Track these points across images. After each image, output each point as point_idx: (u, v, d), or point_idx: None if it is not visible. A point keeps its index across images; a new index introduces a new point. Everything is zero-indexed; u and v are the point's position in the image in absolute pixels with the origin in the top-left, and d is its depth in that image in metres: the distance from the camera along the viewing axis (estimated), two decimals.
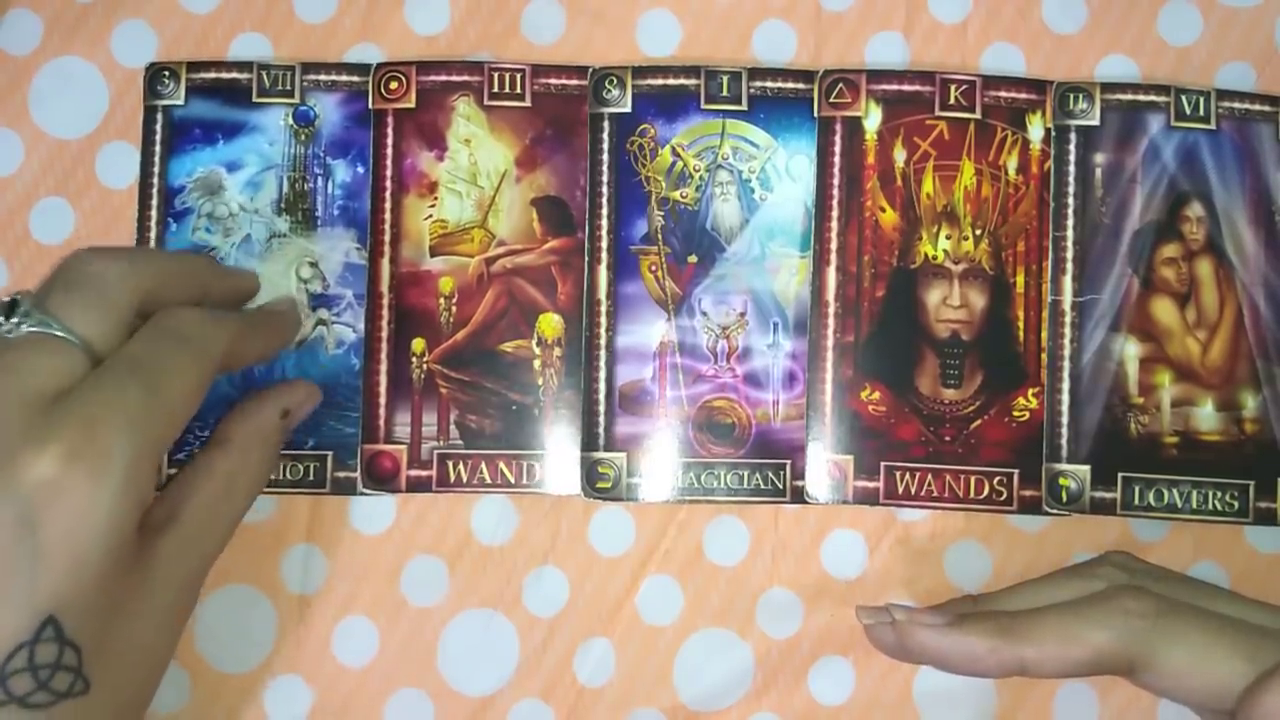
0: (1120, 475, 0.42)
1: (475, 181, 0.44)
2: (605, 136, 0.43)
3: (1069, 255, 0.43)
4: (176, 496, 0.36)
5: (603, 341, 0.43)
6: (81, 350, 0.32)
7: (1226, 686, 0.34)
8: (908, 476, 0.42)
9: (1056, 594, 0.38)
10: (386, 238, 0.43)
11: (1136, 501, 0.42)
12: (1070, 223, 0.43)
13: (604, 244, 0.43)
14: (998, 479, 0.42)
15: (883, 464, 0.42)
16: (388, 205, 0.43)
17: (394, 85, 0.44)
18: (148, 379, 0.32)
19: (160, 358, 0.33)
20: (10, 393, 0.30)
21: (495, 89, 0.44)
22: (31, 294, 0.33)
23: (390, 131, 0.44)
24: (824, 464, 0.42)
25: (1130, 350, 0.43)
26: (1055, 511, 0.42)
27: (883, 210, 0.43)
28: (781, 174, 0.43)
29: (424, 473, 0.42)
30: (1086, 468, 0.42)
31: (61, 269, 0.34)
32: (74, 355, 0.32)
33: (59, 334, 0.32)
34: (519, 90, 0.44)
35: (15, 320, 0.32)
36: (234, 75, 0.44)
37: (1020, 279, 0.43)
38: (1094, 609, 0.36)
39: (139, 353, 0.33)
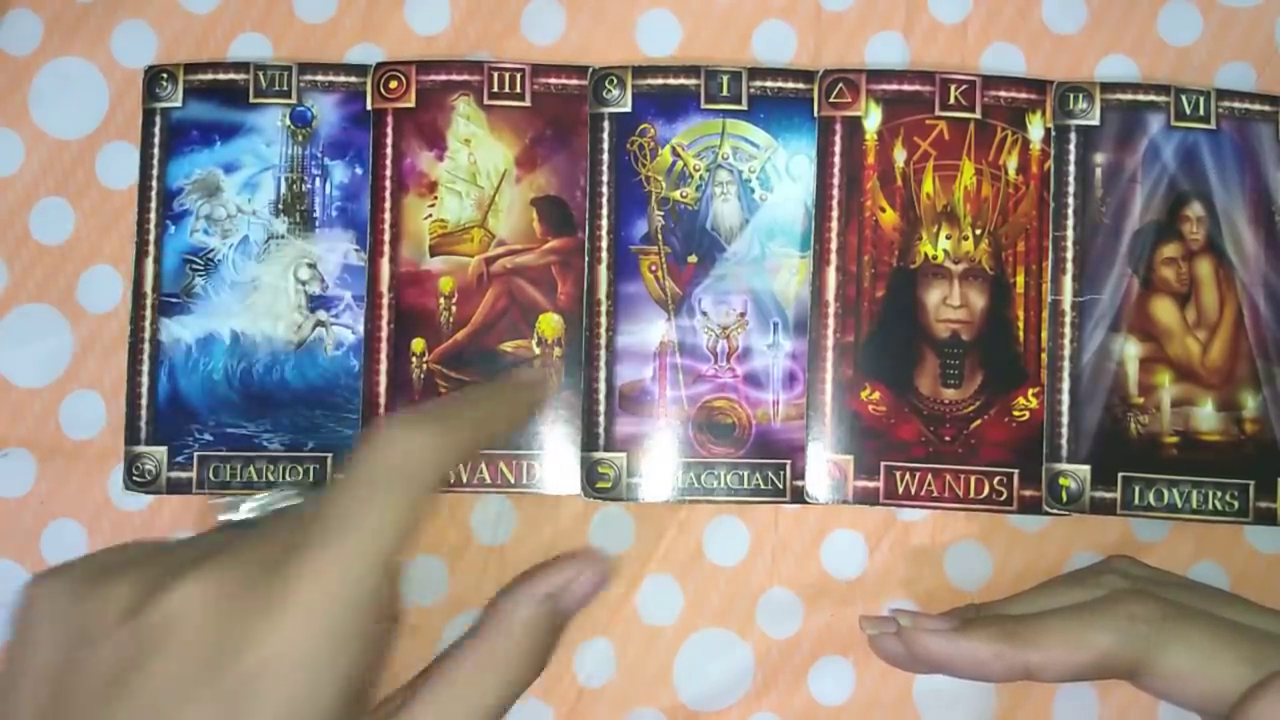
0: (1120, 475, 0.42)
1: (475, 181, 0.44)
2: (605, 136, 0.43)
3: (1069, 255, 0.43)
4: (417, 685, 0.32)
5: (603, 341, 0.43)
6: None
7: (1228, 691, 0.34)
8: (908, 476, 0.42)
9: (1059, 599, 0.38)
10: (386, 237, 0.43)
11: (1136, 501, 0.42)
12: (1070, 223, 0.43)
13: (604, 244, 0.43)
14: (998, 479, 0.42)
15: (883, 464, 0.42)
16: (387, 205, 0.43)
17: (394, 85, 0.44)
18: (360, 543, 0.29)
19: (371, 510, 0.29)
20: (259, 560, 0.29)
21: (495, 89, 0.44)
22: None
23: (390, 131, 0.44)
24: (824, 464, 0.42)
25: (1130, 350, 0.43)
26: (1055, 511, 0.42)
27: (883, 210, 0.43)
28: (781, 174, 0.43)
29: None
30: (1086, 468, 0.42)
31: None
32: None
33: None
34: (519, 90, 0.44)
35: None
36: (231, 76, 0.44)
37: (1020, 279, 0.43)
38: (1098, 613, 0.36)
39: (349, 507, 0.29)
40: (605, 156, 0.43)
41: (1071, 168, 0.43)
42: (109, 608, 0.27)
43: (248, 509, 0.34)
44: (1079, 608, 0.37)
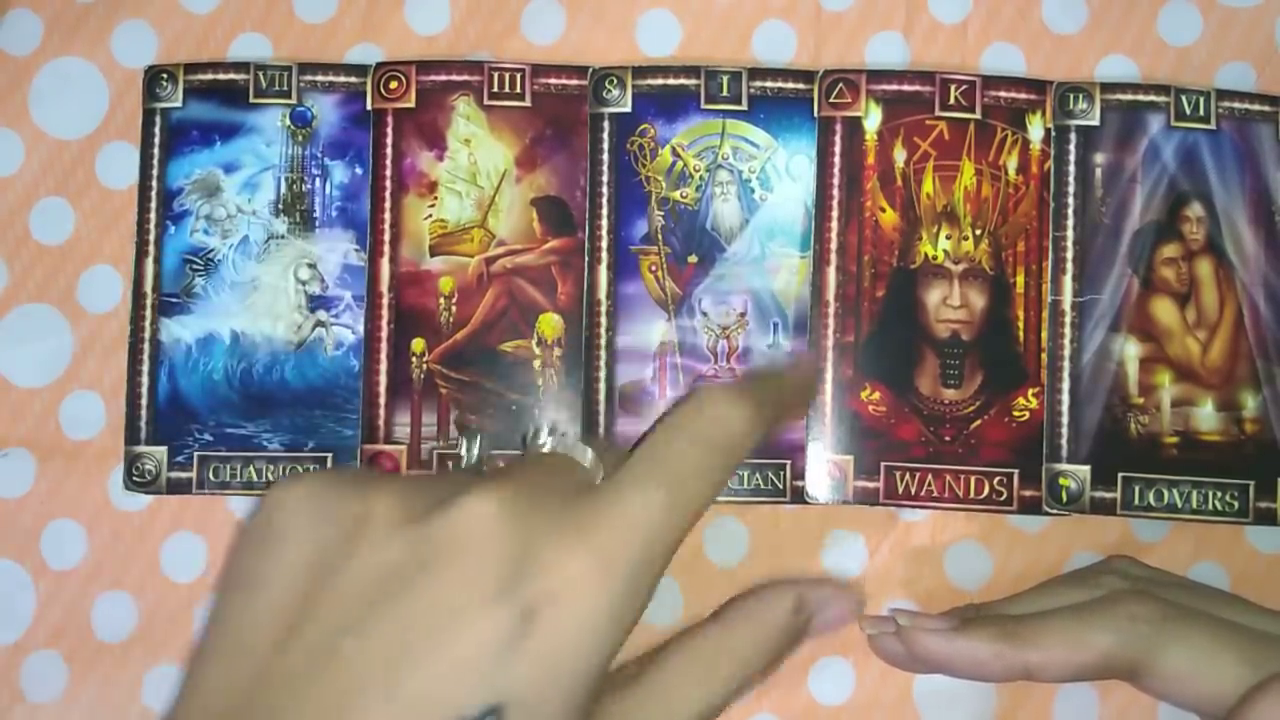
0: (1120, 475, 0.42)
1: (475, 181, 0.44)
2: (605, 136, 0.43)
3: (1069, 255, 0.43)
4: (647, 660, 0.31)
5: (603, 341, 0.43)
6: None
7: (1229, 692, 0.34)
8: (908, 476, 0.42)
9: (1059, 599, 0.38)
10: (386, 237, 0.43)
11: (1136, 501, 0.42)
12: (1070, 223, 0.43)
13: (604, 244, 0.43)
14: (998, 479, 0.42)
15: (883, 464, 0.42)
16: (387, 205, 0.43)
17: (394, 85, 0.44)
18: (673, 495, 0.28)
19: (687, 466, 0.29)
20: (550, 488, 0.28)
21: (495, 89, 0.44)
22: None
23: (390, 131, 0.44)
24: (824, 464, 0.42)
25: (1130, 350, 0.43)
26: (1055, 511, 0.42)
27: (883, 210, 0.43)
28: (781, 174, 0.43)
29: (424, 473, 0.42)
30: (1086, 468, 0.42)
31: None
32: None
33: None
34: (519, 90, 0.44)
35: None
36: (231, 76, 0.44)
37: (1020, 279, 0.43)
38: (1098, 613, 0.36)
39: (668, 459, 0.29)
40: (605, 156, 0.43)
41: (1071, 168, 0.43)
42: (389, 513, 0.26)
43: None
44: (1079, 608, 0.37)
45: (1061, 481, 0.42)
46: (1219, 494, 0.42)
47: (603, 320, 0.43)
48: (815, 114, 0.43)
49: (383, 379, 0.43)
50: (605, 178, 0.43)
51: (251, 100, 0.44)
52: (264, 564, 0.27)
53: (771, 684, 0.42)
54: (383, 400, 0.43)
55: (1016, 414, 0.43)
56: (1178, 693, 0.35)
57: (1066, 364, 0.42)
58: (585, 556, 0.26)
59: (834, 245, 0.43)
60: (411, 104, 0.44)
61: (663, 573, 0.28)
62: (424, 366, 0.43)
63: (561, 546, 0.26)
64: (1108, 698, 0.42)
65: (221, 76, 0.44)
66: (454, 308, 0.43)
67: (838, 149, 0.43)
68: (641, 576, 0.27)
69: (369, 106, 0.44)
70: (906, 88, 0.43)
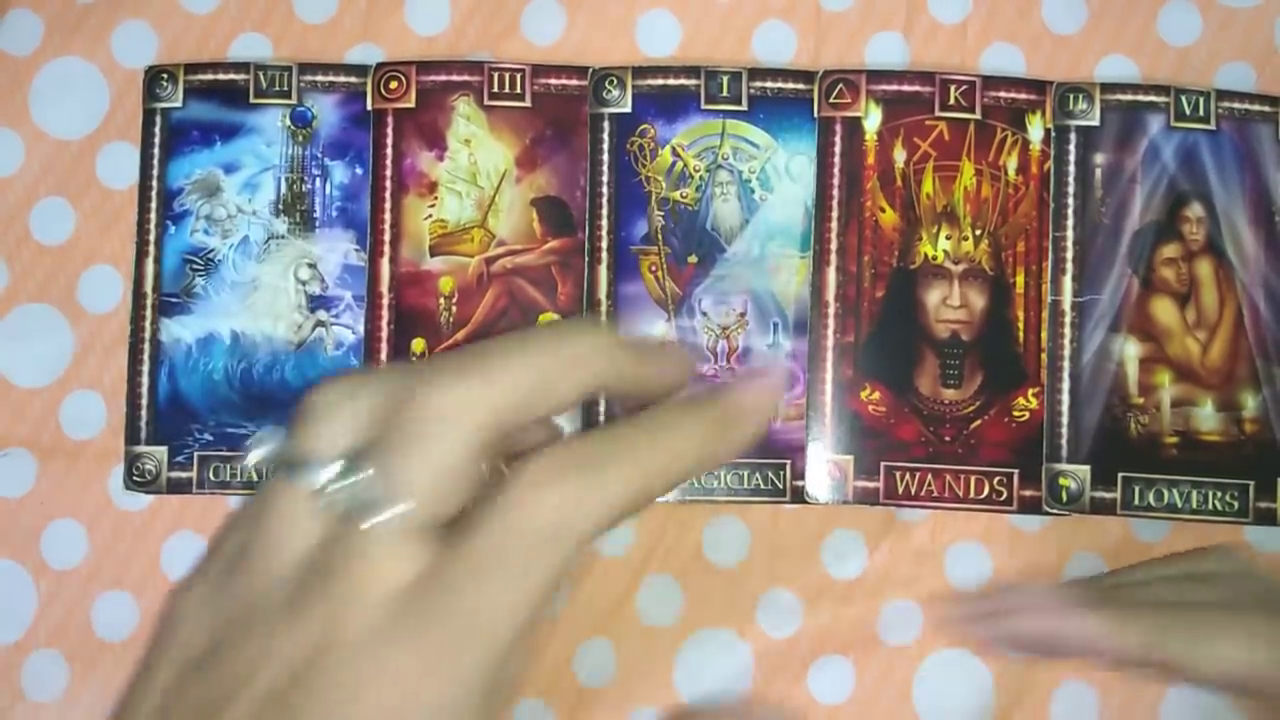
0: (1120, 475, 0.42)
1: (475, 181, 0.44)
2: (605, 136, 0.43)
3: (1069, 255, 0.43)
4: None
5: None
6: (429, 527, 0.26)
7: None
8: (908, 476, 0.42)
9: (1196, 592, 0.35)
10: (386, 237, 0.43)
11: (1136, 501, 0.42)
12: (1070, 223, 0.43)
13: (604, 244, 0.43)
14: (998, 479, 0.42)
15: (883, 464, 0.42)
16: (387, 205, 0.43)
17: (394, 85, 0.44)
18: (503, 587, 0.25)
19: (514, 560, 0.26)
20: (362, 592, 0.25)
21: (495, 89, 0.44)
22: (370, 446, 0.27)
23: (390, 131, 0.44)
24: (824, 464, 0.42)
25: (1130, 350, 0.43)
26: (1055, 511, 0.42)
27: (883, 210, 0.43)
28: (781, 174, 0.43)
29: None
30: (1086, 468, 0.42)
31: (401, 412, 0.27)
32: (423, 542, 0.26)
33: (400, 509, 0.26)
34: (519, 90, 0.44)
35: (350, 481, 0.26)
36: (231, 76, 0.44)
37: (1020, 279, 0.43)
38: (1243, 621, 0.33)
39: (491, 551, 0.26)
40: (605, 157, 0.43)
41: (1071, 168, 0.43)
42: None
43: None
44: (1229, 609, 0.33)
45: (1061, 481, 0.42)
46: (1219, 494, 0.42)
47: (603, 320, 0.43)
48: (815, 114, 0.43)
49: None
50: (605, 178, 0.43)
51: (252, 100, 0.44)
52: (156, 660, 0.26)
53: (772, 683, 0.42)
54: None
55: (1016, 414, 0.43)
56: None
57: (1066, 364, 0.42)
58: (418, 668, 0.25)
59: (834, 245, 0.43)
60: (411, 104, 0.44)
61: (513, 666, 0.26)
62: None
63: (393, 658, 0.25)
64: (1108, 697, 0.42)
65: (221, 76, 0.44)
66: (454, 308, 0.43)
67: (838, 149, 0.43)
68: (486, 683, 0.25)
69: (369, 107, 0.44)
70: (906, 88, 0.43)
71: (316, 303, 0.43)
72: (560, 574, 0.25)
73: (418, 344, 0.43)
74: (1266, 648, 0.32)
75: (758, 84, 0.44)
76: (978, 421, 0.43)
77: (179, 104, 0.44)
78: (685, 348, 0.40)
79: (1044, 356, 0.43)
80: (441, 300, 0.43)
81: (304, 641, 0.24)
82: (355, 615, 0.24)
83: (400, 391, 0.26)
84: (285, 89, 0.44)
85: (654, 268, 0.43)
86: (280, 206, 0.43)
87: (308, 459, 0.25)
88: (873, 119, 0.43)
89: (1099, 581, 0.37)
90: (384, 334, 0.43)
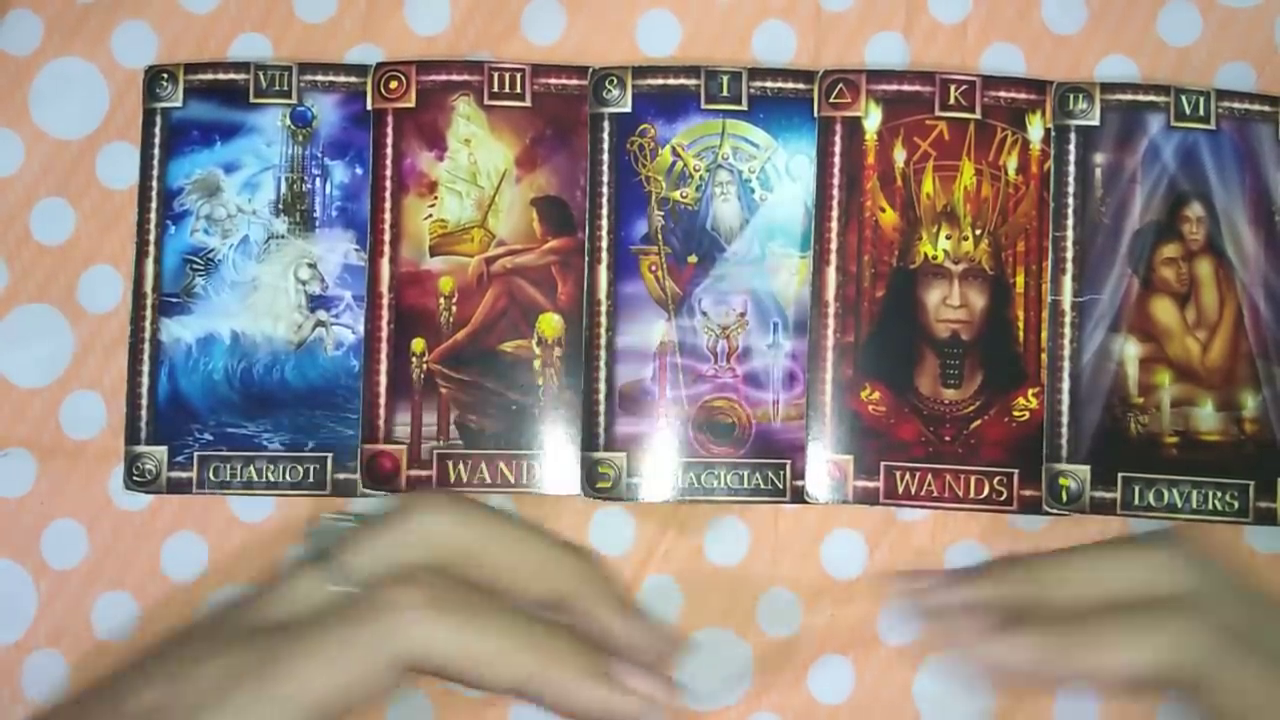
0: (1120, 475, 0.42)
1: (475, 181, 0.44)
2: (605, 136, 0.43)
3: (1069, 255, 0.43)
4: None
5: (603, 341, 0.43)
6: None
7: None
8: (908, 476, 0.42)
9: (1115, 578, 0.36)
10: (386, 237, 0.43)
11: (1136, 501, 0.42)
12: (1070, 223, 0.43)
13: (604, 244, 0.43)
14: (998, 479, 0.42)
15: (883, 464, 0.42)
16: (387, 205, 0.43)
17: (394, 85, 0.44)
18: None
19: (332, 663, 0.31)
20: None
21: (495, 89, 0.44)
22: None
23: (390, 131, 0.44)
24: (824, 464, 0.42)
25: (1130, 350, 0.43)
26: (1055, 511, 0.42)
27: (883, 210, 0.43)
28: (781, 174, 0.43)
29: (424, 473, 0.42)
30: (1086, 468, 0.42)
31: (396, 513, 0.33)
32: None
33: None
34: (519, 90, 0.44)
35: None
36: (231, 76, 0.44)
37: (1020, 279, 0.43)
38: (1161, 621, 0.34)
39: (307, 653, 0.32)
40: (605, 156, 0.43)
41: (1071, 168, 0.43)
42: None
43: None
44: (1139, 614, 0.34)
45: (1061, 481, 0.42)
46: (1219, 494, 0.42)
47: (603, 320, 0.43)
48: (815, 114, 0.43)
49: (383, 379, 0.43)
50: (605, 178, 0.43)
51: (252, 100, 0.44)
52: None
53: (772, 683, 0.42)
54: (383, 400, 0.43)
55: (1016, 414, 0.43)
56: (1237, 707, 0.33)
57: (1066, 364, 0.42)
58: None
59: (834, 245, 0.43)
60: (411, 104, 0.44)
61: None
62: (424, 366, 0.43)
63: None
64: (1108, 698, 0.42)
65: (221, 76, 0.44)
66: (454, 308, 0.43)
67: (838, 149, 0.43)
68: None
69: (369, 106, 0.44)
70: (906, 88, 0.43)
71: (316, 303, 0.43)
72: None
73: (417, 344, 0.43)
74: (1154, 651, 0.33)
75: (758, 84, 0.44)
76: (978, 421, 0.43)
77: (179, 104, 0.44)
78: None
79: (1044, 356, 0.43)
80: (441, 300, 0.43)
81: None
82: None
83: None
84: (285, 89, 0.44)
85: (654, 267, 0.43)
86: (280, 206, 0.43)
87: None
88: (873, 119, 0.43)
89: (1017, 574, 0.37)
90: (384, 334, 0.43)
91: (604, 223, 0.43)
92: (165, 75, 0.44)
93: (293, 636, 0.31)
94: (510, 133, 0.44)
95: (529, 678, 0.31)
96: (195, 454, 0.43)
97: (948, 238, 0.43)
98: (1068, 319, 0.43)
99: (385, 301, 0.43)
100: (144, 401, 0.43)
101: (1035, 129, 0.43)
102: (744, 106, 0.43)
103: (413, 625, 0.30)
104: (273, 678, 0.30)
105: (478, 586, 0.34)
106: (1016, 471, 0.42)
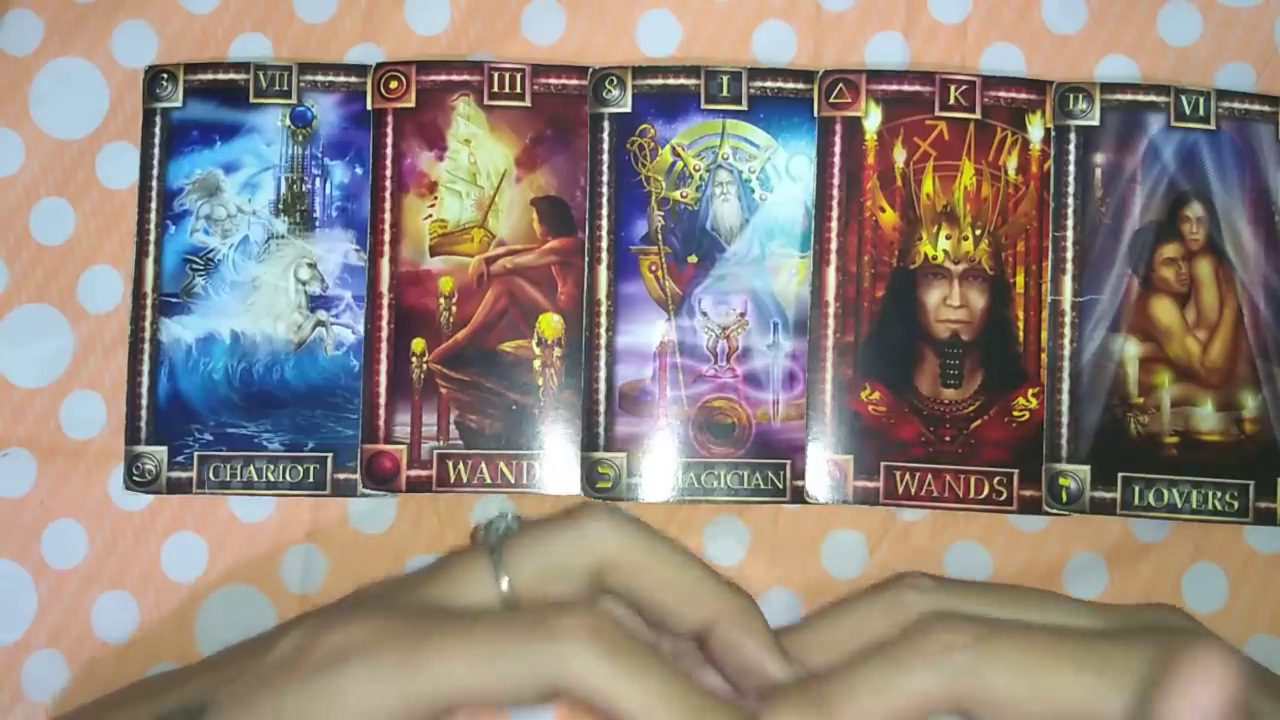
0: (1120, 475, 0.42)
1: (475, 181, 0.44)
2: (605, 136, 0.43)
3: (1069, 255, 0.43)
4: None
5: (603, 341, 0.43)
6: None
7: (1067, 705, 0.30)
8: (908, 476, 0.42)
9: (860, 628, 0.34)
10: (386, 237, 0.43)
11: (1136, 501, 0.42)
12: (1070, 223, 0.43)
13: (604, 244, 0.43)
14: (998, 479, 0.42)
15: (883, 464, 0.42)
16: (387, 205, 0.43)
17: (394, 85, 0.44)
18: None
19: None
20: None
21: (495, 89, 0.44)
22: None
23: (390, 131, 0.44)
24: (824, 464, 0.42)
25: (1130, 350, 0.43)
26: (1055, 511, 0.42)
27: (882, 210, 0.43)
28: (781, 174, 0.43)
29: (424, 473, 0.42)
30: (1086, 468, 0.42)
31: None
32: None
33: None
34: (519, 90, 0.44)
35: None
36: (231, 76, 0.44)
37: (1020, 279, 0.43)
38: (908, 652, 0.31)
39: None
40: (605, 156, 0.43)
41: (1071, 168, 0.43)
42: None
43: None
44: (886, 652, 0.32)
45: (1061, 481, 0.42)
46: (1219, 494, 0.42)
47: (603, 320, 0.43)
48: (815, 114, 0.43)
49: (383, 379, 0.43)
50: (605, 178, 0.43)
51: (251, 100, 0.44)
52: None
53: None
54: (383, 400, 0.43)
55: (1016, 414, 0.43)
56: (1014, 717, 0.31)
57: (1066, 364, 0.42)
58: None
59: (834, 245, 0.43)
60: (411, 104, 0.44)
61: None
62: (424, 366, 0.43)
63: None
64: None
65: (221, 76, 0.44)
66: (454, 308, 0.43)
67: (838, 149, 0.43)
68: None
69: (369, 106, 0.44)
70: (906, 88, 0.43)
71: (316, 303, 0.43)
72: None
73: (417, 344, 0.43)
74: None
75: (758, 84, 0.44)
76: (978, 421, 0.43)
77: (179, 104, 0.44)
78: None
79: (1044, 356, 0.43)
80: (441, 300, 0.43)
81: None
82: None
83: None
84: (285, 89, 0.44)
85: (654, 267, 0.43)
86: (280, 206, 0.44)
87: None
88: (873, 119, 0.43)
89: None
90: (384, 334, 0.43)
91: (604, 223, 0.43)
92: (165, 75, 0.44)
93: (453, 623, 0.31)
94: (510, 133, 0.44)
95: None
96: (195, 454, 0.43)
97: (948, 238, 0.43)
98: (1068, 319, 0.43)
99: (385, 301, 0.43)
100: (144, 401, 0.43)
101: (1035, 129, 0.43)
102: (744, 106, 0.43)
103: (574, 657, 0.30)
104: (422, 651, 0.30)
105: (639, 611, 0.33)
106: (1016, 471, 0.42)
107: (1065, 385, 0.42)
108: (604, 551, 0.33)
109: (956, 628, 0.31)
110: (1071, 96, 0.43)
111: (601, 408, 0.43)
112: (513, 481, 0.42)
